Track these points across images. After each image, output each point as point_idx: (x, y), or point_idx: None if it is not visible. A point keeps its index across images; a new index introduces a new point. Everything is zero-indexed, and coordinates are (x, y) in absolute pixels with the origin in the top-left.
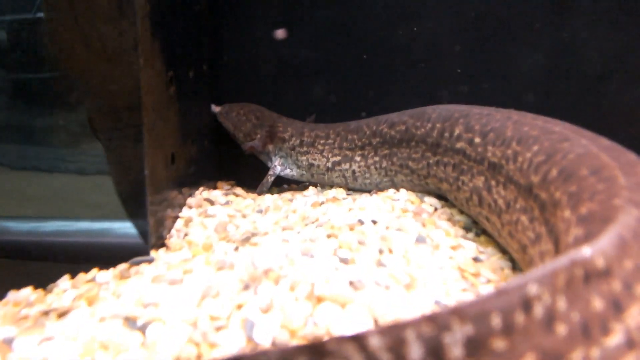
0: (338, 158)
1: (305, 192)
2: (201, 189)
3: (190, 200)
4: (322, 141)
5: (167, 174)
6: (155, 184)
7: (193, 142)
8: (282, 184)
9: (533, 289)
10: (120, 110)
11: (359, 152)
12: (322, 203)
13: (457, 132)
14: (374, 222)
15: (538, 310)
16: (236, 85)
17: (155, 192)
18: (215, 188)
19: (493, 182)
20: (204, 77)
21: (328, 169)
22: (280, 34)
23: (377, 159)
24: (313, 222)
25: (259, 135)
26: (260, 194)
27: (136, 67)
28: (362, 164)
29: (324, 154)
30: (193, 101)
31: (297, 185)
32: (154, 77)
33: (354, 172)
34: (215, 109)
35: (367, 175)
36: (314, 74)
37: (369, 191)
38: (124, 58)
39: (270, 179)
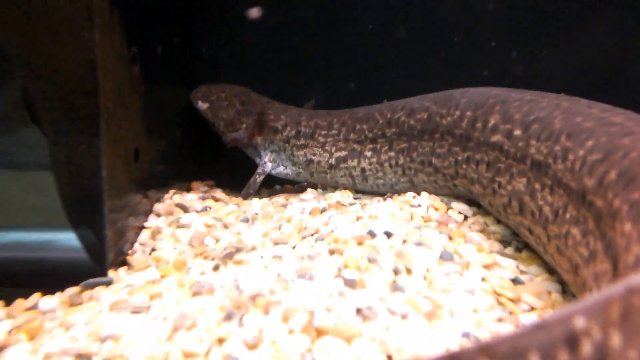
0: (344, 153)
1: (302, 196)
2: (172, 192)
3: (158, 207)
4: (323, 132)
5: (129, 174)
6: (114, 187)
7: (162, 134)
8: (273, 185)
9: (580, 322)
10: (71, 96)
11: (370, 146)
12: (324, 210)
13: (492, 122)
14: (388, 234)
15: (586, 349)
16: (216, 62)
17: (114, 197)
18: (189, 190)
19: (537, 185)
20: (176, 53)
21: (331, 167)
22: (254, 13)
23: (392, 154)
24: (312, 235)
25: (244, 125)
26: (246, 197)
27: (91, 43)
28: (374, 160)
29: (326, 147)
30: (162, 83)
31: (292, 186)
32: (113, 55)
33: (363, 170)
34: (202, 105)
35: (380, 174)
36: (314, 50)
37: (382, 195)
38: (75, 32)
39: (259, 178)
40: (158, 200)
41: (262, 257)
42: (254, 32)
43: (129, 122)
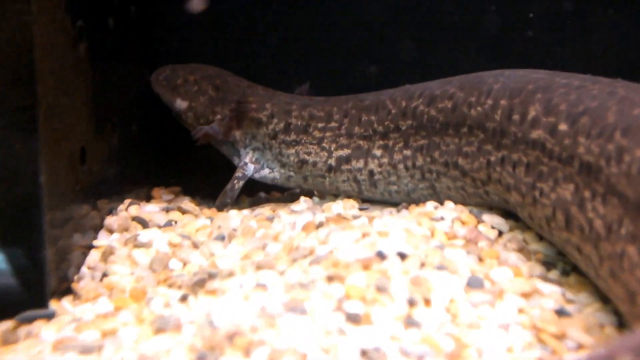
0: (346, 151)
1: (293, 206)
2: (127, 201)
3: (110, 221)
4: (320, 124)
5: (75, 179)
6: (55, 195)
7: (114, 128)
8: (256, 192)
9: None
10: (1, 84)
11: (380, 142)
12: (321, 225)
13: (532, 113)
14: (402, 255)
15: None
16: (184, 36)
17: (55, 208)
18: (149, 199)
19: (587, 193)
20: (132, 25)
21: (330, 169)
22: (196, 4)
23: (408, 152)
24: (305, 257)
25: (218, 116)
26: (221, 208)
27: (27, 16)
28: (385, 160)
29: (324, 144)
30: (115, 65)
31: (280, 194)
32: (55, 31)
33: (371, 173)
34: (164, 92)
35: (393, 178)
36: (309, 17)
37: (395, 205)
38: (4, 2)
39: (238, 184)
40: (110, 212)
41: (241, 286)
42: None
43: (73, 115)
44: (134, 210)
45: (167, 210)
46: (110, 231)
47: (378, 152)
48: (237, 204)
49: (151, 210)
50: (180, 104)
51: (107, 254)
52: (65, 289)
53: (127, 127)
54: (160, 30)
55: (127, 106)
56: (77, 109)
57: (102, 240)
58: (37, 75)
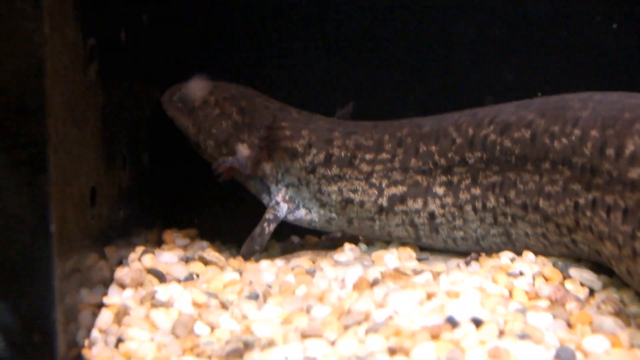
0: (401, 189)
1: (337, 256)
2: (139, 249)
3: (121, 273)
4: (368, 156)
5: (83, 225)
6: (65, 246)
7: (125, 162)
8: (287, 236)
9: None
10: (7, 115)
11: (443, 179)
12: (376, 282)
13: (630, 148)
14: (477, 322)
15: None
16: (203, 49)
17: (64, 260)
18: (159, 244)
19: None
20: (144, 37)
21: (381, 210)
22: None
23: (477, 191)
24: (360, 323)
25: (244, 145)
26: (248, 257)
27: (38, 36)
28: (449, 201)
29: (374, 180)
30: (125, 85)
31: (317, 237)
32: (66, 52)
33: (432, 216)
34: (178, 115)
35: (459, 222)
36: (351, 30)
37: (460, 254)
38: (15, 22)
39: (268, 228)
40: (120, 262)
41: (285, 359)
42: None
43: (83, 149)
44: (149, 260)
45: (187, 260)
46: (122, 286)
47: (440, 190)
48: (266, 250)
49: (168, 260)
50: (197, 130)
51: (120, 315)
52: (75, 357)
53: (138, 159)
54: (175, 39)
55: (138, 134)
56: (87, 142)
57: (114, 297)
58: (47, 104)
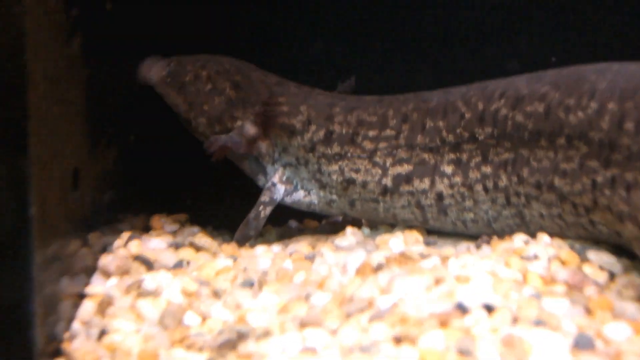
0: (407, 168)
1: (338, 241)
2: (125, 235)
3: (105, 260)
4: (372, 132)
5: (65, 209)
6: (45, 231)
7: (110, 141)
8: (284, 220)
9: None
10: None
11: (451, 156)
12: (380, 267)
13: None
14: (489, 308)
15: None
16: (195, 17)
17: (45, 246)
18: (147, 230)
19: None
20: (131, 7)
21: (385, 191)
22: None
23: (488, 170)
24: (363, 311)
25: (239, 122)
26: (243, 243)
27: (18, 6)
28: (458, 180)
29: (377, 159)
30: (111, 59)
31: (317, 222)
32: (47, 25)
33: (440, 196)
34: (164, 88)
35: (469, 203)
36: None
37: (470, 238)
38: None
39: (264, 211)
40: (104, 249)
41: (284, 350)
42: None
43: (66, 128)
44: (135, 246)
45: (177, 246)
46: (107, 274)
47: (448, 169)
48: (262, 236)
49: (156, 246)
50: (188, 106)
51: (104, 305)
52: (54, 351)
53: (124, 139)
54: (166, 10)
55: (123, 112)
56: (70, 120)
57: (97, 286)
58: (28, 79)
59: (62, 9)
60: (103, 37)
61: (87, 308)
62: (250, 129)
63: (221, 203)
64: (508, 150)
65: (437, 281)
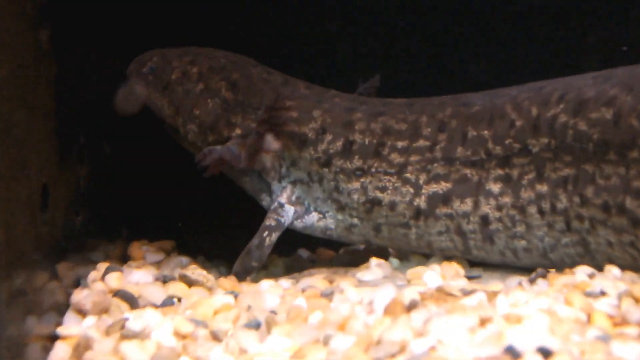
0: (444, 186)
1: (360, 274)
2: (102, 266)
3: (80, 296)
4: (401, 143)
5: (33, 233)
6: (9, 260)
7: (82, 154)
8: (293, 249)
9: None
10: None
11: (499, 172)
12: (414, 305)
13: None
14: (546, 352)
15: None
16: (180, 5)
17: (8, 278)
18: (125, 260)
19: None
20: None
21: (418, 214)
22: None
23: (544, 188)
24: (393, 356)
25: (238, 131)
26: (243, 276)
27: None
28: (507, 200)
29: (408, 175)
30: (84, 54)
31: (333, 251)
32: (11, 11)
33: (485, 220)
34: (145, 89)
35: (520, 228)
36: None
37: (523, 271)
38: None
39: (269, 238)
40: (78, 282)
41: None
42: None
43: (33, 136)
44: (115, 280)
45: (165, 280)
46: (82, 312)
47: (495, 188)
48: (266, 268)
49: (140, 280)
50: (174, 111)
51: (81, 349)
52: None
53: (99, 150)
54: None
55: (98, 117)
56: (37, 127)
57: (71, 326)
58: None
59: None
60: (76, 26)
61: (60, 352)
62: (273, 143)
63: (216, 228)
64: (568, 165)
65: (483, 321)
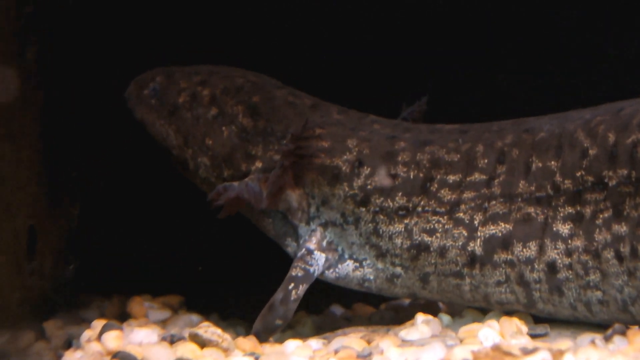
0: (504, 227)
1: (404, 333)
2: (98, 323)
3: (72, 358)
4: (453, 177)
5: (19, 284)
6: None
7: (74, 192)
8: (325, 305)
9: None
10: None
11: (568, 210)
12: None
13: None
14: None
15: None
16: (181, 18)
17: None
18: (124, 318)
19: None
20: (100, 2)
21: (474, 261)
22: None
23: (623, 229)
24: None
25: (258, 164)
26: (265, 337)
27: None
28: (578, 244)
29: (460, 215)
30: (74, 74)
31: (373, 307)
32: None
33: (552, 268)
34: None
35: (595, 278)
36: None
37: (601, 329)
38: None
39: (296, 292)
40: (69, 342)
41: None
42: None
43: (19, 173)
44: (113, 339)
45: (172, 340)
46: None
47: (564, 229)
48: (293, 327)
49: (144, 340)
50: (182, 140)
51: None
52: None
53: (93, 187)
54: (144, 6)
55: (92, 150)
56: (23, 162)
57: None
58: None
59: (12, 4)
60: (65, 43)
61: None
62: (298, 178)
63: (232, 281)
64: None
65: None
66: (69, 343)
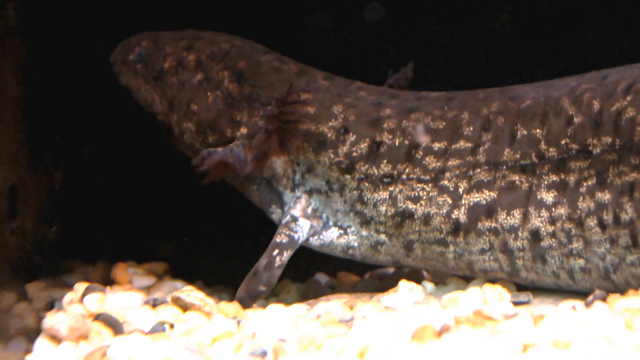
0: (488, 195)
1: (386, 299)
2: (81, 286)
3: (54, 320)
4: (438, 144)
5: (0, 245)
6: None
7: (56, 154)
8: (309, 272)
9: None
10: None
11: (553, 178)
12: (446, 329)
13: None
14: None
15: None
16: None
17: None
18: (111, 284)
19: None
20: None
21: (457, 229)
22: None
23: (606, 197)
24: None
25: (244, 130)
26: (249, 302)
27: None
28: (562, 212)
29: (445, 182)
30: (59, 34)
31: (357, 276)
32: None
33: (536, 235)
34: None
35: (578, 245)
36: None
37: (580, 295)
38: None
39: (280, 258)
40: (52, 305)
41: None
42: None
43: (0, 128)
44: (95, 302)
45: (155, 303)
46: (55, 339)
47: (548, 197)
48: (276, 295)
49: (125, 302)
50: (167, 106)
51: None
52: None
53: (77, 151)
54: None
55: (77, 111)
56: (5, 122)
57: (43, 354)
58: None
59: None
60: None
61: None
62: (282, 143)
63: (216, 247)
64: (636, 168)
65: (525, 347)
66: (51, 305)
